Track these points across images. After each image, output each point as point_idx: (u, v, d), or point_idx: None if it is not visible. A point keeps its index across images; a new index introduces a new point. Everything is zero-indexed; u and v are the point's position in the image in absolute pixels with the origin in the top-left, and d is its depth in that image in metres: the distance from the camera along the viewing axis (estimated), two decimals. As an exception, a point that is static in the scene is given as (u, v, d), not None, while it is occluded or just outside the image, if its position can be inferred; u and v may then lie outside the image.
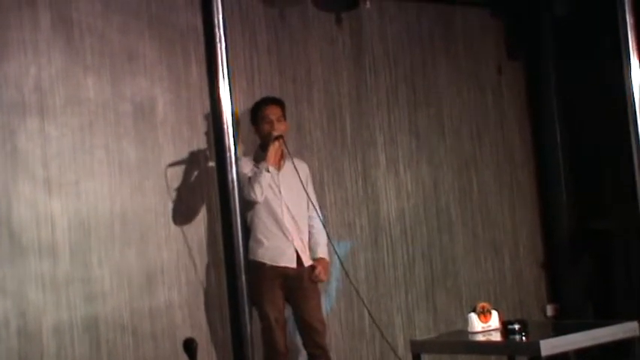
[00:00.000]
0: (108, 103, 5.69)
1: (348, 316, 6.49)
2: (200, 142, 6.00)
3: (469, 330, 5.31)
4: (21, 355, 5.25)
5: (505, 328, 5.09)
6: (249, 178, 5.71)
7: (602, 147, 7.45)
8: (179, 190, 5.88)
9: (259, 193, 5.69)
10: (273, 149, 5.76)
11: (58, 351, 5.36)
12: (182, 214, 5.88)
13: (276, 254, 5.76)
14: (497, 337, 5.16)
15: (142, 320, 5.66)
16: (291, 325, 5.92)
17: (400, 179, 6.95)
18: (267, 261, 5.74)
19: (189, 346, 4.69)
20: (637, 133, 6.76)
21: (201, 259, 5.94)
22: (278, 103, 5.94)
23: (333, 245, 6.02)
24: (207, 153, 6.01)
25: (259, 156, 5.84)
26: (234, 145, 5.91)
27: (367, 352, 6.58)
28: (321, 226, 5.96)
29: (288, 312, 5.85)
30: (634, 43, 6.74)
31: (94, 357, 5.47)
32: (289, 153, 5.82)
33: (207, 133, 6.00)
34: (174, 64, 5.97)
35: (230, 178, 5.89)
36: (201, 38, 6.04)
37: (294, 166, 5.82)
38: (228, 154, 5.91)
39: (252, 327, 5.89)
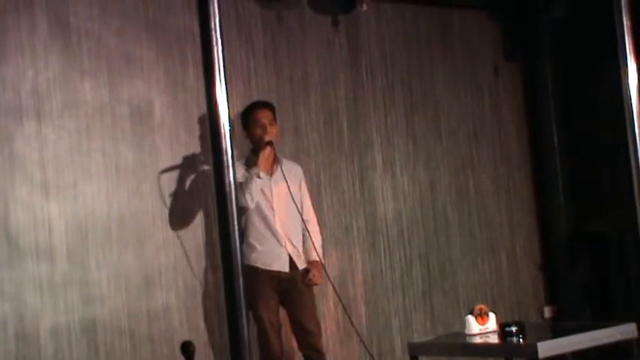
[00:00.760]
0: (105, 106, 5.69)
1: (345, 319, 6.48)
2: (197, 145, 6.00)
3: (466, 332, 5.31)
4: (18, 357, 5.25)
5: (502, 331, 5.09)
6: (241, 184, 5.71)
7: (599, 149, 7.46)
8: (176, 193, 5.88)
9: (250, 199, 5.69)
10: (264, 155, 5.76)
11: (56, 354, 5.36)
12: (179, 217, 5.88)
13: (269, 259, 5.76)
14: (494, 339, 5.16)
15: (139, 323, 5.66)
16: (286, 328, 5.92)
17: (397, 181, 6.95)
18: (260, 265, 5.75)
19: (187, 349, 4.69)
20: (634, 135, 6.74)
21: (199, 262, 5.93)
22: (269, 106, 5.94)
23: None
24: (204, 156, 6.00)
25: (251, 160, 5.84)
26: (231, 148, 5.89)
27: (364, 355, 6.57)
28: (316, 228, 5.97)
29: (283, 315, 5.85)
30: (631, 45, 6.72)
31: (91, 360, 5.48)
32: (279, 158, 5.82)
33: (203, 136, 6.00)
34: (171, 67, 5.97)
35: (227, 182, 5.85)
36: (198, 41, 5.99)
37: (282, 173, 5.81)
38: (225, 157, 5.87)
39: (250, 330, 5.87)
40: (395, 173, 6.94)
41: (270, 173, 5.83)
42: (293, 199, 5.83)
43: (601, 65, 7.22)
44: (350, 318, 6.18)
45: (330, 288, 6.17)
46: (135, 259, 5.69)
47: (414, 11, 7.20)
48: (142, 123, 5.82)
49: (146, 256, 5.74)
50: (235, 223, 5.88)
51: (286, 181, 5.80)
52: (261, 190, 5.75)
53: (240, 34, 6.28)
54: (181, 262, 5.86)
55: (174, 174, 5.90)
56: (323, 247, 6.01)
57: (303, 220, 5.88)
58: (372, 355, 6.36)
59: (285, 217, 5.81)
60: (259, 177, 5.72)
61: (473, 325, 5.29)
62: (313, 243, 5.89)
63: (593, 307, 7.40)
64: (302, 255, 5.87)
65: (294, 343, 5.94)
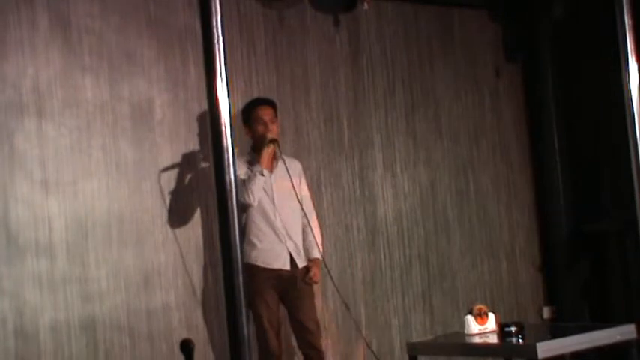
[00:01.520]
0: (106, 103, 5.69)
1: (345, 317, 6.48)
2: (197, 143, 6.00)
3: (466, 332, 5.32)
4: (18, 354, 5.25)
5: (502, 331, 5.10)
6: (244, 181, 5.70)
7: (600, 149, 7.46)
8: (176, 191, 5.88)
9: (252, 198, 5.69)
10: (267, 152, 5.76)
11: (55, 351, 5.36)
12: (179, 215, 5.88)
13: (269, 256, 5.76)
14: (493, 339, 5.17)
15: (139, 321, 5.66)
16: (286, 326, 5.92)
17: (397, 181, 6.95)
18: (260, 263, 5.74)
19: (186, 347, 4.69)
20: (635, 136, 6.72)
21: (199, 260, 5.93)
22: (270, 104, 5.93)
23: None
24: (204, 154, 6.00)
25: (252, 157, 5.84)
26: (232, 146, 5.88)
27: (364, 354, 6.57)
28: (316, 223, 5.96)
29: (282, 313, 5.85)
30: (632, 46, 6.70)
31: (90, 357, 5.47)
32: (281, 154, 5.82)
33: (204, 134, 5.99)
34: (172, 65, 5.97)
35: (227, 179, 5.83)
36: (199, 39, 5.95)
37: (286, 168, 5.80)
38: (225, 155, 5.85)
39: (250, 328, 5.87)
40: (395, 173, 6.94)
41: (271, 170, 5.82)
42: (297, 196, 5.82)
43: (602, 65, 7.22)
44: (348, 307, 6.16)
45: (330, 284, 6.17)
46: (134, 257, 5.69)
47: (414, 11, 7.21)
48: (142, 121, 5.82)
49: (146, 253, 5.74)
50: (235, 220, 5.87)
51: (289, 175, 5.79)
52: (262, 187, 5.74)
53: (241, 32, 6.28)
54: (181, 259, 5.86)
55: (175, 172, 5.90)
56: (323, 245, 6.01)
57: (306, 215, 5.86)
58: (374, 354, 6.35)
59: (285, 214, 5.81)
60: (262, 175, 5.72)
61: (472, 325, 5.30)
62: (314, 236, 5.88)
63: (592, 307, 7.40)
64: (302, 252, 5.87)
65: (293, 342, 5.94)
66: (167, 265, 5.80)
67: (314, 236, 5.91)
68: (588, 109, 7.47)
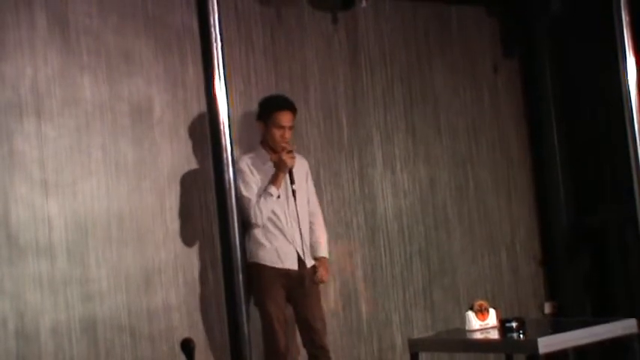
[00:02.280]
0: (104, 103, 5.69)
1: (346, 314, 6.49)
2: (196, 142, 6.00)
3: (467, 328, 5.32)
4: (19, 355, 5.25)
5: (503, 326, 5.10)
6: (257, 201, 5.69)
7: (599, 144, 7.46)
8: (175, 190, 5.88)
9: (262, 219, 5.70)
10: (283, 174, 5.73)
11: (56, 351, 5.36)
12: (179, 214, 5.88)
13: (277, 256, 5.75)
14: (494, 335, 5.17)
15: (139, 320, 5.66)
16: (291, 324, 5.92)
17: (397, 177, 6.95)
18: (269, 263, 5.74)
19: (187, 346, 4.69)
20: (633, 131, 6.76)
21: (199, 260, 5.93)
22: (292, 109, 5.89)
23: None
24: (204, 153, 6.00)
25: (259, 154, 5.81)
26: (231, 144, 5.91)
27: (365, 351, 6.58)
28: (321, 221, 5.96)
29: (288, 311, 5.85)
30: (630, 41, 6.74)
31: (92, 357, 5.47)
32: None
33: (203, 133, 5.99)
34: (171, 64, 5.97)
35: (227, 178, 5.89)
36: (198, 38, 6.03)
37: (292, 189, 5.78)
38: (224, 154, 5.90)
39: (250, 327, 5.89)
40: (395, 169, 6.94)
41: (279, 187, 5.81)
42: (305, 196, 5.81)
43: (600, 61, 7.23)
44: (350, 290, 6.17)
45: (332, 282, 6.18)
46: (135, 257, 5.69)
47: (413, 8, 7.20)
48: (141, 120, 5.82)
49: (146, 253, 5.74)
50: (235, 219, 5.91)
51: (295, 176, 5.77)
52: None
53: (239, 31, 6.28)
54: (181, 259, 5.86)
55: (174, 171, 5.89)
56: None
57: (312, 214, 5.85)
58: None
59: (294, 215, 5.79)
60: (279, 197, 5.71)
61: (473, 321, 5.30)
62: (321, 235, 5.88)
63: (593, 302, 7.40)
64: (309, 251, 5.85)
65: (298, 340, 5.94)
66: (167, 264, 5.80)
67: (320, 235, 5.90)
68: (587, 103, 7.47)
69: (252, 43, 6.33)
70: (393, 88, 7.01)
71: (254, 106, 6.14)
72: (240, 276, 5.87)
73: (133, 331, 5.63)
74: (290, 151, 5.76)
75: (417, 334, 6.64)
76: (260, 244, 5.75)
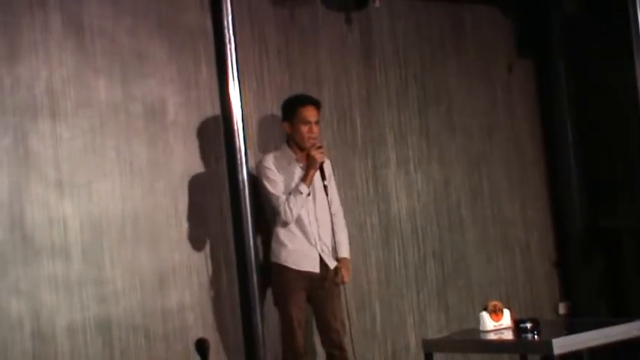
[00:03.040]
0: (119, 104, 5.71)
1: (360, 316, 6.49)
2: (210, 143, 6.01)
3: (481, 329, 5.31)
4: (35, 356, 5.27)
5: (517, 327, 5.09)
6: (287, 198, 5.66)
7: (613, 144, 7.44)
8: (190, 191, 5.89)
9: (292, 217, 5.68)
10: (313, 171, 5.70)
11: (72, 352, 5.38)
12: (193, 215, 5.89)
13: (299, 258, 5.73)
14: (509, 335, 5.16)
15: (154, 321, 5.67)
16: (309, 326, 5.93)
17: (411, 178, 6.95)
18: (291, 265, 5.73)
19: (202, 346, 4.71)
20: (648, 131, 6.74)
21: (213, 260, 5.94)
22: (316, 104, 5.86)
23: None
24: (218, 154, 6.01)
25: (285, 153, 5.80)
26: (244, 145, 5.92)
27: (379, 352, 6.58)
28: (343, 222, 5.94)
29: (308, 312, 5.85)
30: (644, 40, 6.73)
31: (107, 358, 5.49)
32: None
33: (217, 134, 6.00)
34: (184, 65, 5.98)
35: (240, 179, 5.90)
36: (211, 39, 6.05)
37: (324, 185, 5.77)
38: (238, 155, 5.92)
39: (264, 327, 5.90)
40: (409, 170, 6.93)
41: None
42: (327, 197, 5.80)
43: (615, 60, 7.21)
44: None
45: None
46: (149, 257, 5.71)
47: (426, 8, 7.20)
48: (155, 121, 5.83)
49: (160, 253, 5.75)
50: (249, 219, 5.92)
51: (327, 194, 5.78)
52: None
53: (253, 31, 6.28)
54: (195, 259, 5.87)
55: (188, 172, 5.91)
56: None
57: (335, 214, 5.85)
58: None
59: (316, 215, 5.78)
60: (309, 195, 5.70)
61: (487, 322, 5.29)
62: (342, 236, 5.88)
63: (608, 303, 7.38)
64: (331, 253, 5.84)
65: (315, 340, 5.95)
66: (182, 265, 5.81)
67: (342, 236, 5.89)
68: (601, 103, 7.45)
69: (265, 43, 6.34)
70: (407, 89, 7.00)
71: (268, 107, 6.16)
72: (255, 277, 5.88)
73: (148, 331, 5.65)
74: (319, 147, 5.73)
75: (431, 335, 6.63)
76: (283, 245, 5.74)
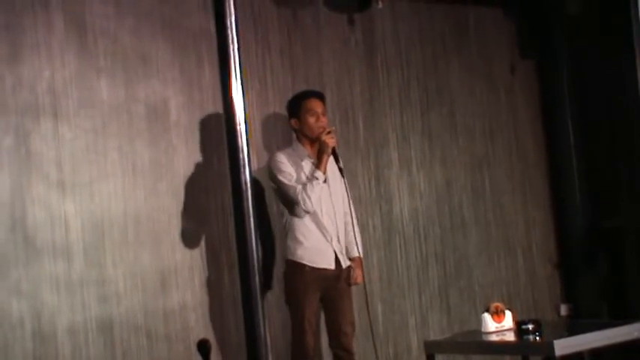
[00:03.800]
0: (121, 105, 5.71)
1: (362, 317, 6.48)
2: (213, 144, 6.01)
3: (483, 330, 5.31)
4: (36, 356, 5.27)
5: (519, 328, 5.09)
6: (303, 187, 5.59)
7: (616, 145, 7.44)
8: (192, 191, 5.89)
9: (311, 205, 5.60)
10: (327, 156, 5.64)
11: (73, 352, 5.38)
12: (195, 215, 5.89)
13: (315, 255, 5.68)
14: (510, 337, 5.16)
15: (155, 321, 5.68)
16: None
17: (413, 179, 6.95)
18: (307, 262, 5.66)
19: (204, 347, 4.71)
20: (651, 132, 6.74)
21: (215, 261, 5.94)
22: (320, 96, 5.84)
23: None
24: (220, 154, 6.01)
25: (297, 149, 5.76)
26: (247, 146, 5.92)
27: (381, 353, 6.57)
28: (355, 221, 5.91)
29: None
30: (647, 42, 6.72)
31: (108, 358, 5.49)
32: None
33: (219, 135, 6.00)
34: (187, 66, 5.98)
35: (243, 179, 5.90)
36: (214, 40, 6.05)
37: (341, 172, 5.74)
38: (241, 155, 5.92)
39: (266, 328, 5.90)
40: (411, 171, 6.94)
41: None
42: (343, 195, 5.77)
43: (617, 61, 7.21)
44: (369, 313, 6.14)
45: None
46: (151, 258, 5.71)
47: (429, 9, 7.20)
48: (157, 122, 5.83)
49: (162, 254, 5.75)
50: (252, 220, 5.92)
51: (343, 176, 5.74)
52: None
53: (255, 32, 6.29)
54: (197, 260, 5.88)
55: (191, 172, 5.91)
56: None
57: (349, 213, 5.80)
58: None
59: (331, 212, 5.74)
60: (325, 181, 5.64)
61: (489, 323, 5.28)
62: (356, 235, 5.85)
63: (610, 304, 7.38)
64: (344, 251, 5.81)
65: (323, 341, 5.94)
66: (183, 266, 5.82)
67: (355, 234, 5.87)
68: (604, 104, 7.45)
69: (268, 44, 6.34)
70: (410, 90, 7.01)
71: (270, 108, 6.16)
72: (257, 277, 5.88)
73: (149, 331, 5.65)
74: (329, 132, 5.67)
75: (432, 336, 6.63)
76: (299, 242, 5.68)
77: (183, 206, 5.85)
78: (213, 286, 5.92)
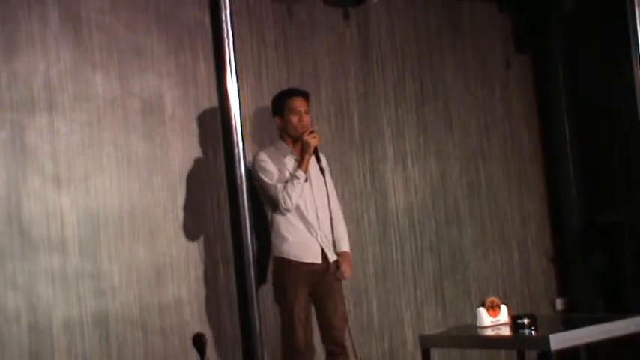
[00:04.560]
0: (116, 99, 5.71)
1: (357, 312, 6.49)
2: (208, 138, 6.01)
3: (478, 324, 5.31)
4: (32, 350, 5.27)
5: (514, 323, 5.09)
6: (284, 186, 5.62)
7: (611, 140, 7.44)
8: (187, 185, 5.89)
9: (291, 204, 5.63)
10: (308, 157, 5.67)
11: (69, 346, 5.39)
12: (190, 209, 5.89)
13: (301, 250, 5.69)
14: (506, 331, 5.16)
15: (151, 315, 5.68)
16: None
17: (408, 173, 6.95)
18: (292, 257, 5.68)
19: (199, 341, 4.71)
20: (646, 126, 6.75)
21: (210, 255, 5.94)
22: (304, 95, 5.85)
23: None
24: (215, 148, 6.00)
25: (281, 148, 5.78)
26: (242, 140, 5.92)
27: (376, 347, 6.58)
28: (341, 216, 5.92)
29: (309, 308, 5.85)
30: (642, 37, 6.73)
31: (104, 352, 5.50)
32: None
33: (214, 129, 6.00)
34: (182, 60, 5.98)
35: (238, 174, 5.91)
36: (209, 34, 6.05)
37: (322, 170, 5.76)
38: (236, 150, 5.93)
39: (262, 322, 5.91)
40: (406, 165, 6.94)
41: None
42: (326, 190, 5.78)
43: (612, 56, 7.21)
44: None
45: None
46: (146, 252, 5.71)
47: (424, 3, 7.19)
48: (153, 116, 5.83)
49: (158, 248, 5.75)
50: (247, 214, 5.92)
51: (323, 176, 5.75)
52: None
53: (251, 26, 6.28)
54: (193, 254, 5.87)
55: (186, 166, 5.91)
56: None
57: (334, 208, 5.81)
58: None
59: (316, 207, 5.76)
60: (306, 181, 5.65)
61: (484, 317, 5.29)
62: (342, 229, 5.86)
63: (605, 298, 7.39)
64: (331, 245, 5.81)
65: (315, 336, 5.94)
66: (179, 260, 5.82)
67: (342, 229, 5.88)
68: (599, 99, 7.45)
69: (263, 39, 6.33)
70: (405, 84, 7.00)
71: (265, 102, 6.15)
72: (252, 271, 5.89)
73: (145, 325, 5.65)
74: (311, 132, 5.70)
75: (428, 330, 6.63)
76: (284, 238, 5.70)
77: (178, 200, 5.85)
78: (208, 280, 5.92)
